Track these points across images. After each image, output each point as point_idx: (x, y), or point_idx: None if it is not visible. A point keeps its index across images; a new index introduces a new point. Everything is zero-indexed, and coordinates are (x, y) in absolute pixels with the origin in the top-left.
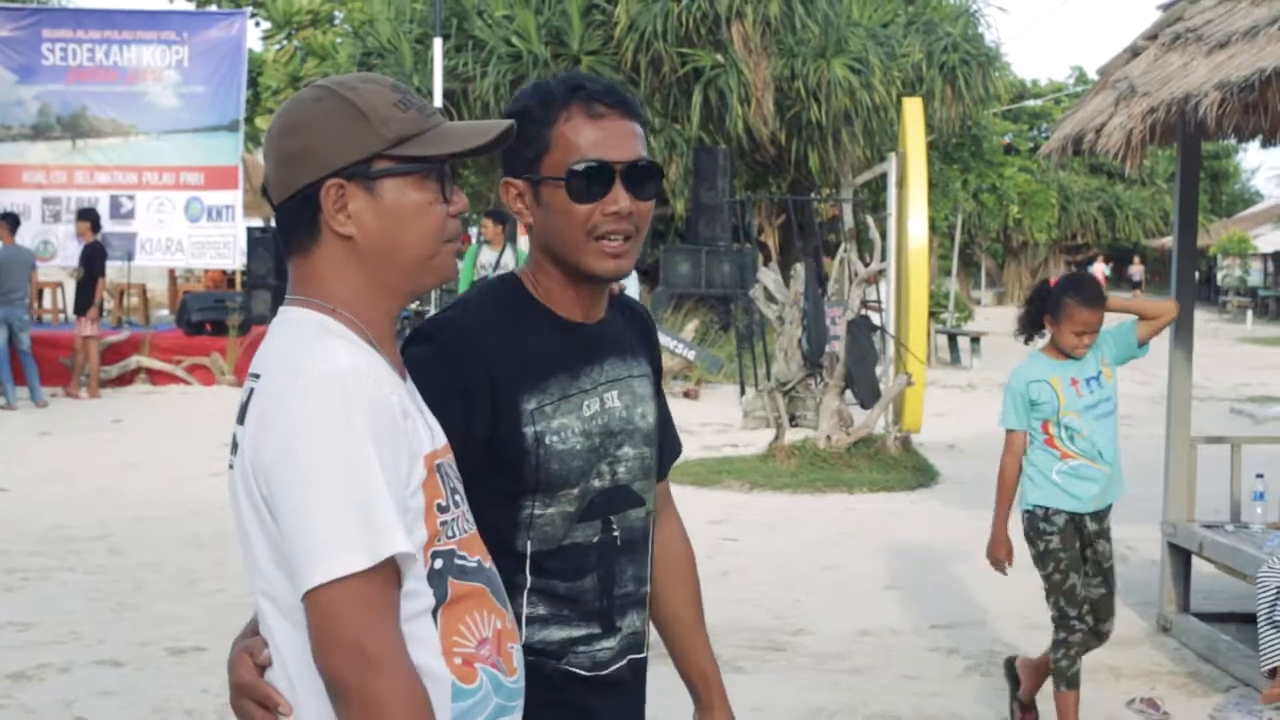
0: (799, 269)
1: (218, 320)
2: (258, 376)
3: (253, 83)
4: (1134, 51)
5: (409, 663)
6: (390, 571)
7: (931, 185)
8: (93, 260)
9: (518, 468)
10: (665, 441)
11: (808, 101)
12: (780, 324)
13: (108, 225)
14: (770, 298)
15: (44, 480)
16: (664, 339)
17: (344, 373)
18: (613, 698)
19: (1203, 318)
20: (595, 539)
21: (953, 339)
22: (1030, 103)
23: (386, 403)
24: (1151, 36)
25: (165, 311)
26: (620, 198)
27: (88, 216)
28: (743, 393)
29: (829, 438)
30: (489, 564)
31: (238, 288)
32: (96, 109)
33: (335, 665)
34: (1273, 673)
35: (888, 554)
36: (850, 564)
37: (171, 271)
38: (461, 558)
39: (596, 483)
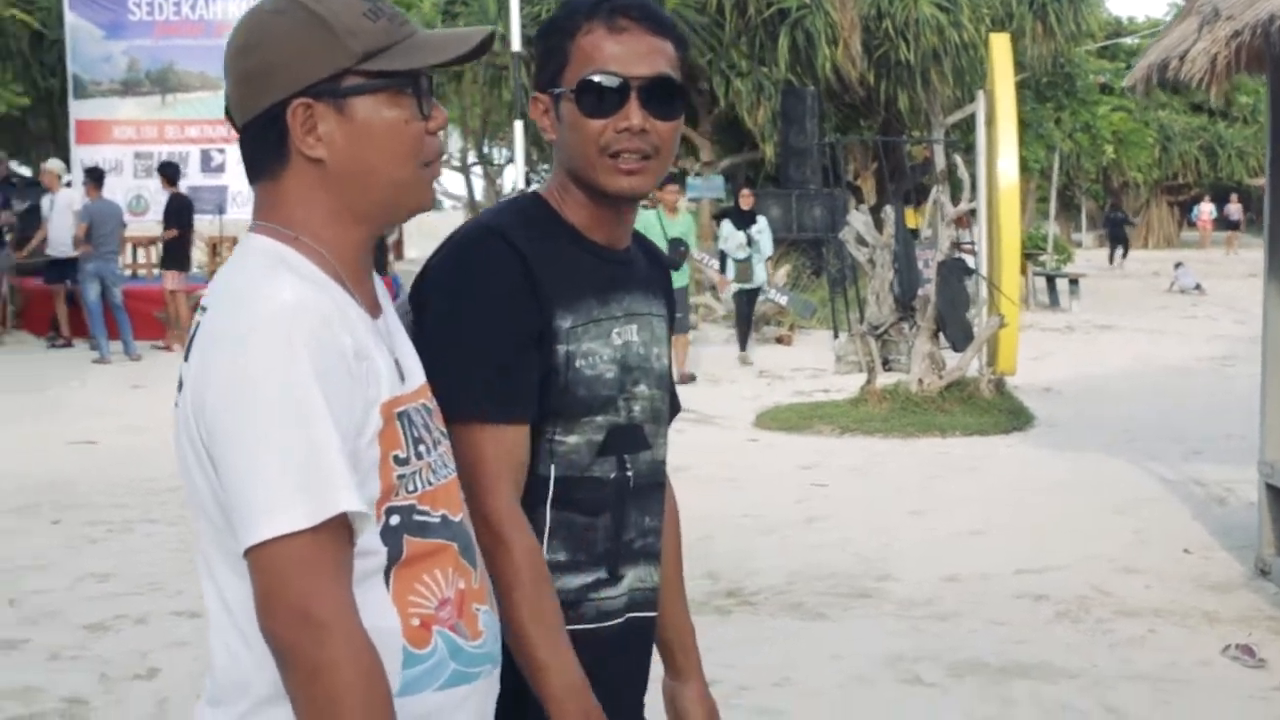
0: (889, 211)
1: None
2: (204, 310)
3: None
4: None
5: (358, 626)
6: (340, 529)
7: (1024, 125)
8: (178, 214)
9: (544, 387)
10: (669, 395)
11: (896, 41)
12: (871, 267)
13: (198, 179)
14: (861, 241)
15: (132, 433)
16: (754, 282)
17: (290, 310)
18: (615, 653)
19: None
20: (612, 475)
21: (1051, 281)
22: (1127, 40)
23: (337, 342)
24: None
25: None
26: (633, 114)
27: (164, 171)
28: (835, 337)
29: (921, 381)
30: (458, 517)
31: None
32: (185, 63)
33: (278, 629)
34: None
35: (978, 498)
36: (940, 508)
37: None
38: (422, 513)
39: (615, 417)
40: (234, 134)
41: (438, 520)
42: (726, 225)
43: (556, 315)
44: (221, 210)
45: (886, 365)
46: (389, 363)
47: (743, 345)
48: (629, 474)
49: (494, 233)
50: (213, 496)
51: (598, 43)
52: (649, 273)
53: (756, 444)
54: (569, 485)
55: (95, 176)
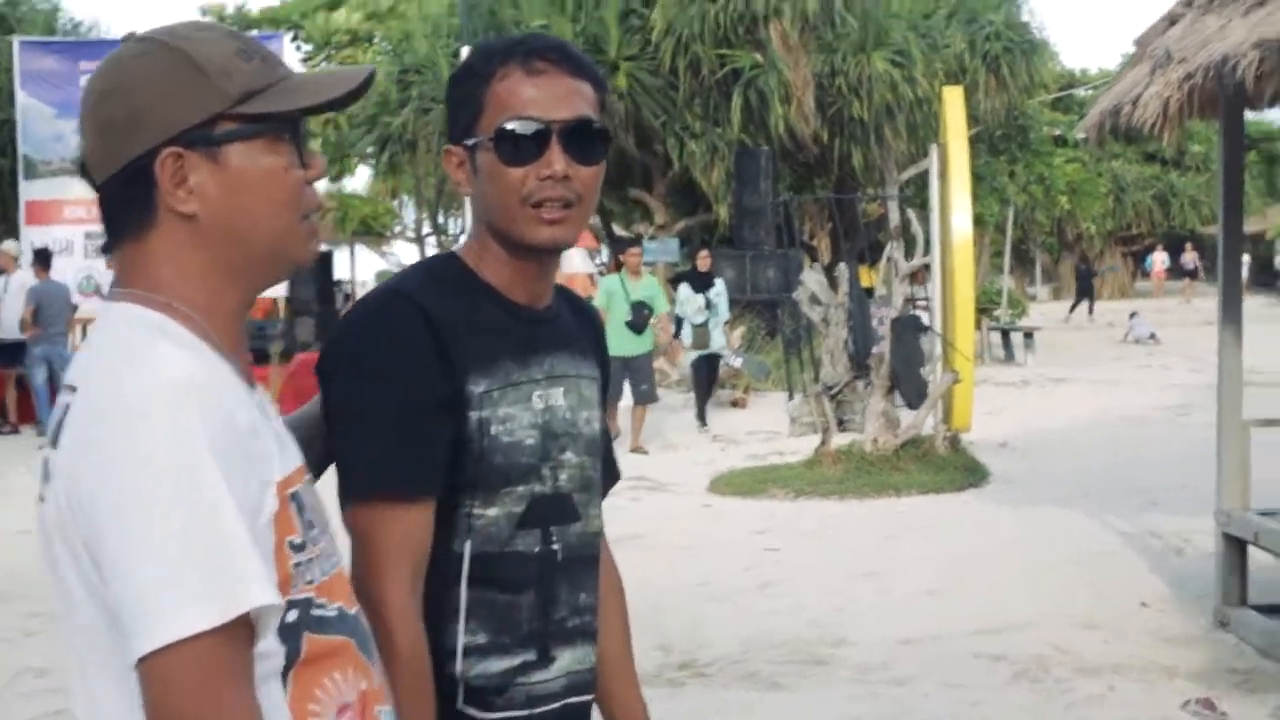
0: (843, 269)
1: (259, 349)
2: (74, 389)
3: None
4: (1171, 19)
5: None
6: (243, 629)
7: (978, 178)
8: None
9: (457, 457)
10: (605, 462)
11: (849, 98)
12: (826, 326)
13: None
14: (815, 300)
15: None
16: (712, 347)
17: (179, 384)
18: None
19: (1262, 303)
20: (536, 549)
21: (1006, 335)
22: (1080, 91)
23: (233, 419)
24: (1189, 2)
25: None
26: (555, 160)
27: (39, 259)
28: (790, 399)
29: (876, 440)
30: (354, 609)
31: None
32: None
33: None
34: None
35: (934, 557)
36: (895, 569)
37: None
38: (320, 606)
39: (538, 487)
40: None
41: (335, 614)
42: (684, 289)
43: (469, 380)
44: None
45: (841, 425)
46: (276, 438)
47: (701, 415)
48: (555, 547)
49: (399, 295)
50: (91, 599)
51: (514, 87)
52: (577, 332)
53: (710, 510)
54: (487, 561)
55: (42, 258)
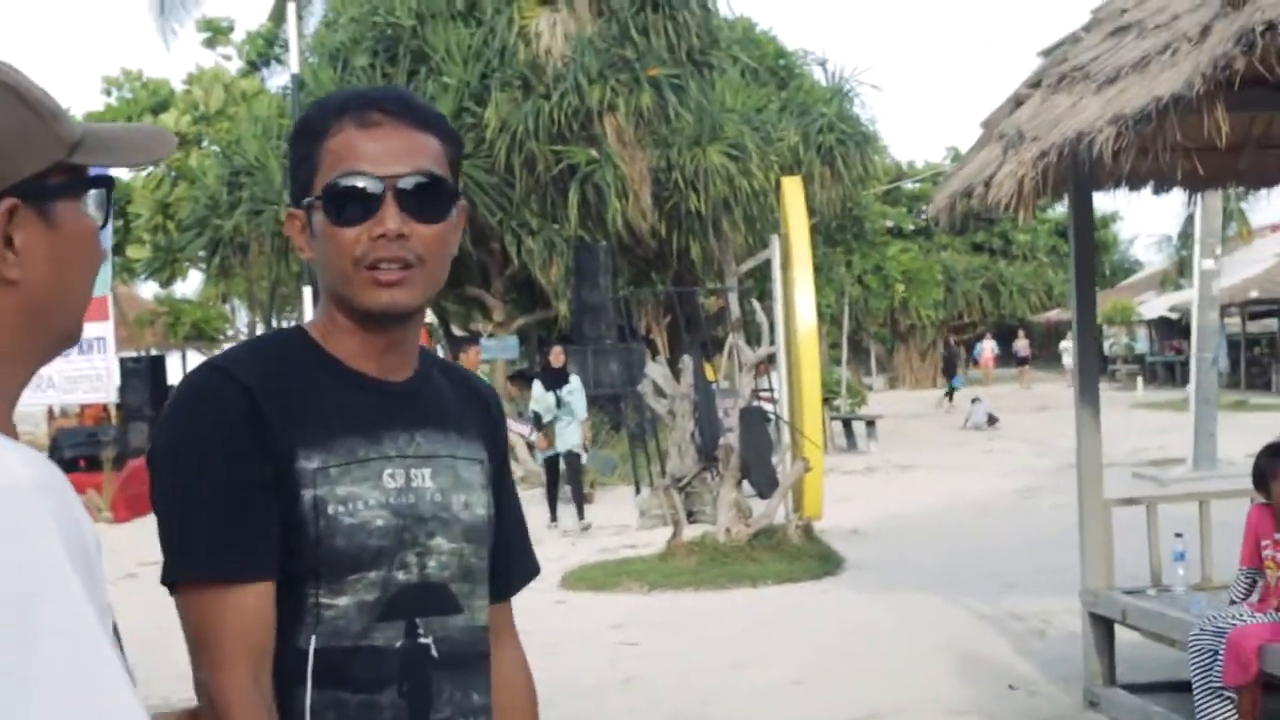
0: (687, 361)
1: (91, 455)
2: None
3: (121, 212)
4: (1017, 100)
5: None
6: None
7: (816, 269)
8: None
9: (294, 541)
10: (513, 554)
11: (686, 191)
12: (672, 418)
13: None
14: (660, 392)
15: None
16: (564, 446)
17: (25, 490)
18: None
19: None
20: (398, 643)
21: (848, 424)
22: (908, 184)
23: (84, 533)
24: (1035, 83)
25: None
26: (389, 217)
27: None
28: (638, 492)
29: (729, 531)
30: None
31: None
32: None
33: None
34: None
35: (796, 647)
36: (758, 660)
37: (50, 409)
38: None
39: (400, 575)
40: None
41: None
42: (537, 386)
43: (299, 456)
44: None
45: (691, 517)
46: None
47: (553, 513)
48: (424, 641)
49: (214, 370)
50: None
51: (349, 142)
52: (456, 408)
53: (564, 605)
54: (336, 657)
55: None
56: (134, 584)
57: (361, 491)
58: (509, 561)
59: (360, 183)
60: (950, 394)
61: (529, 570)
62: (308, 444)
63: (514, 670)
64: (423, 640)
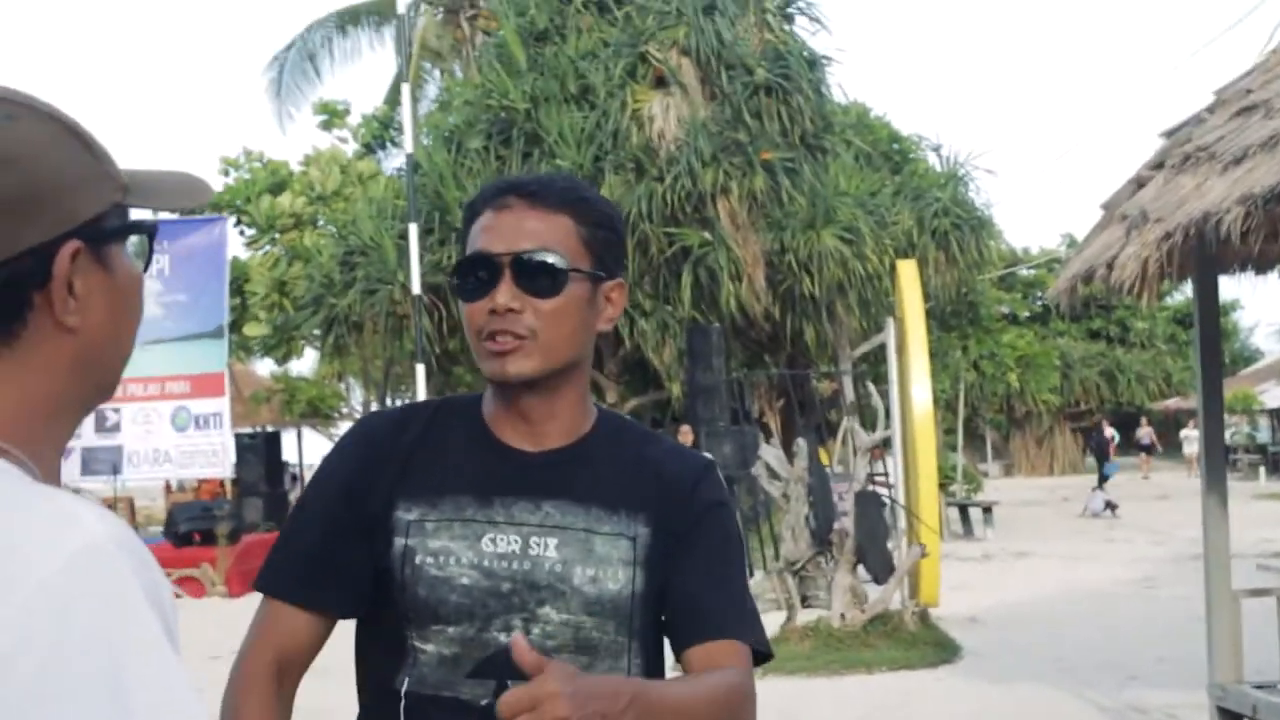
0: (801, 444)
1: (206, 530)
2: None
3: (239, 290)
4: (1139, 182)
5: None
6: None
7: (931, 354)
8: None
9: (385, 584)
10: (682, 615)
11: (800, 274)
12: (786, 501)
13: (93, 439)
14: (774, 475)
15: None
16: None
17: (107, 549)
18: None
19: None
20: (483, 702)
21: (964, 510)
22: (1023, 270)
23: (163, 594)
24: (1158, 165)
25: (159, 527)
26: (500, 293)
27: None
28: (751, 575)
29: (843, 616)
30: None
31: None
32: None
33: None
34: None
35: None
36: None
37: (166, 483)
38: None
39: (502, 636)
40: (128, 393)
41: None
42: None
43: (399, 506)
44: (117, 470)
45: (805, 602)
46: None
47: None
48: None
49: (374, 414)
50: None
51: (483, 224)
52: (619, 485)
53: None
54: (421, 702)
55: None
56: None
57: (455, 548)
58: (708, 611)
59: (478, 260)
60: (1103, 481)
61: (741, 627)
62: (411, 496)
63: (701, 673)
64: None
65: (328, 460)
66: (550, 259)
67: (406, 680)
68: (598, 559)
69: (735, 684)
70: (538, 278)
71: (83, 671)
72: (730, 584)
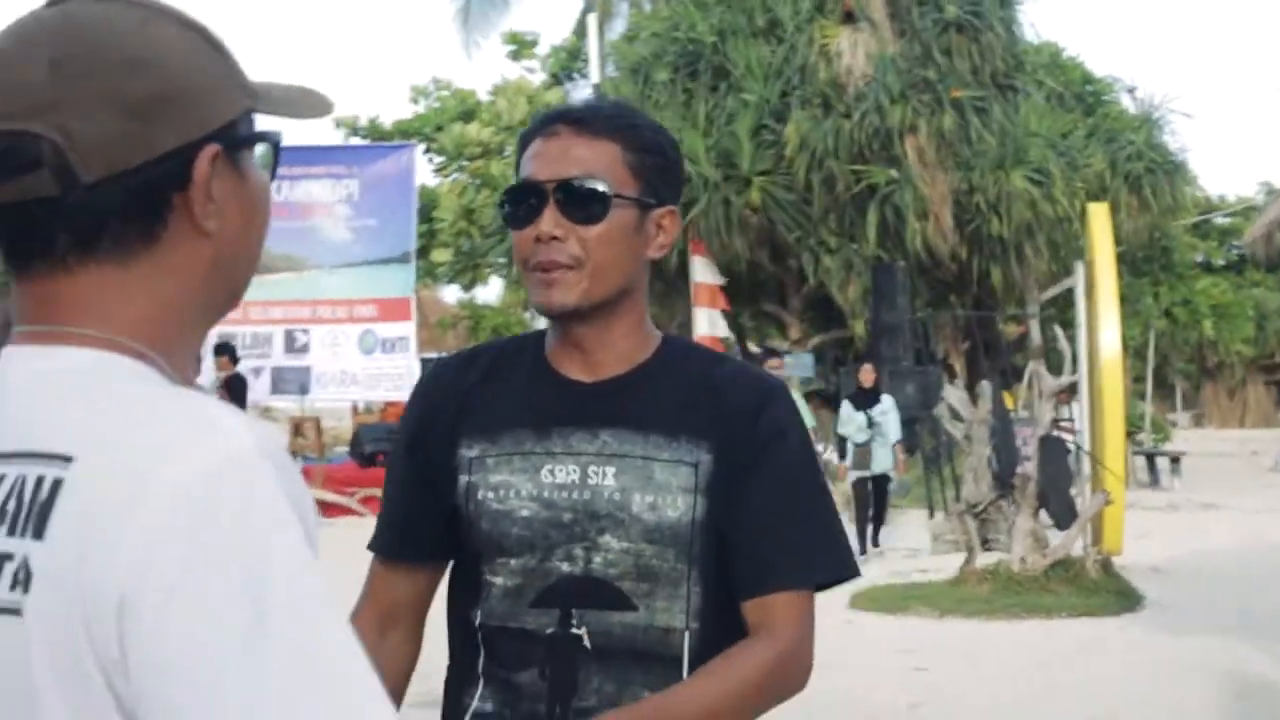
0: (985, 386)
1: (390, 451)
2: (66, 459)
3: (427, 217)
4: None
5: None
6: None
7: (1121, 299)
8: (230, 394)
9: (456, 521)
10: (766, 552)
11: (988, 215)
12: (968, 444)
13: (282, 360)
14: (956, 416)
15: None
16: (875, 468)
17: (247, 454)
18: None
19: None
20: (548, 630)
21: (1151, 459)
22: (1218, 218)
23: (306, 504)
24: None
25: (345, 448)
26: (544, 220)
27: (224, 350)
28: (931, 516)
29: (1024, 560)
30: None
31: None
32: (269, 244)
33: None
34: None
35: (1096, 685)
36: (1053, 695)
37: (354, 405)
38: None
39: (565, 566)
40: (317, 315)
41: None
42: (846, 407)
43: (461, 444)
44: (305, 390)
45: (986, 545)
46: None
47: (862, 541)
48: (577, 632)
49: (441, 360)
50: None
51: (532, 152)
52: (679, 410)
53: (852, 626)
54: (491, 633)
55: (223, 350)
56: None
57: (516, 481)
58: (761, 559)
59: (524, 188)
60: None
61: (795, 569)
62: (472, 434)
63: (728, 653)
64: (575, 630)
65: (402, 413)
66: (595, 185)
67: (479, 613)
68: (656, 486)
69: (765, 664)
70: (583, 204)
71: (224, 577)
72: (792, 519)
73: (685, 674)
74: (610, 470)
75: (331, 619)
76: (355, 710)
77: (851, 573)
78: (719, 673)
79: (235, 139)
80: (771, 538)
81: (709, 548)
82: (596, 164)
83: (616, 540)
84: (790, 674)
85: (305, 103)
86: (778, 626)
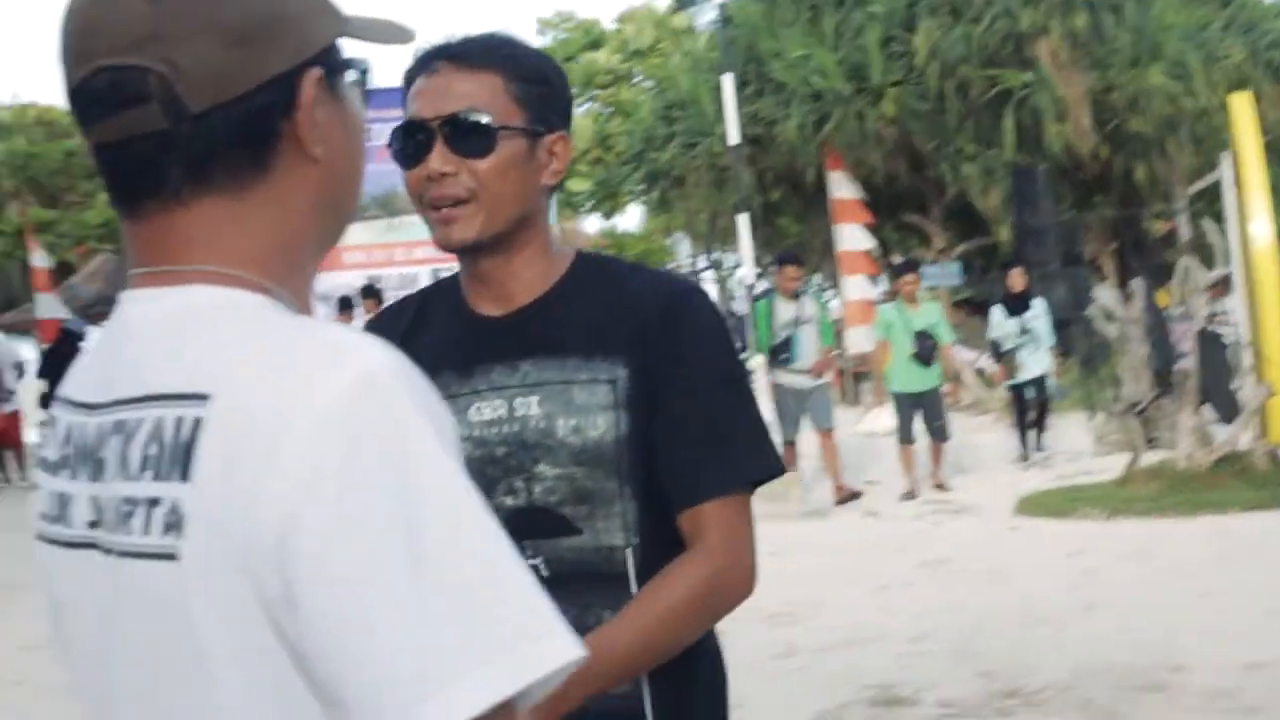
0: (1137, 284)
1: None
2: (203, 398)
3: None
4: None
5: None
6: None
7: (1271, 189)
8: None
9: None
10: (691, 461)
11: (1126, 113)
12: (1123, 343)
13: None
14: (1109, 317)
15: None
16: (1027, 375)
17: (380, 374)
18: None
19: None
20: None
21: None
22: None
23: (444, 417)
24: None
25: None
26: (433, 158)
27: (370, 294)
28: (1092, 418)
29: (1190, 457)
30: None
31: None
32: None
33: None
34: None
35: (1271, 576)
36: (1230, 590)
37: None
38: None
39: (509, 500)
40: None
41: None
42: (996, 312)
43: None
44: None
45: (1150, 443)
46: None
47: (1024, 445)
48: (534, 562)
49: (376, 316)
50: (254, 678)
51: (415, 91)
52: (592, 330)
53: (1019, 532)
54: None
55: (345, 305)
56: None
57: None
58: (685, 470)
59: (409, 127)
60: None
61: (722, 475)
62: None
63: (662, 574)
64: (532, 561)
65: None
66: (479, 118)
67: None
68: (577, 408)
69: (696, 583)
70: (469, 138)
71: (378, 501)
72: (713, 423)
73: (634, 591)
74: (534, 399)
75: (485, 524)
76: (533, 620)
77: (777, 469)
78: (648, 600)
79: (336, 63)
80: (694, 446)
81: (639, 462)
82: (479, 96)
83: (550, 467)
84: (727, 586)
85: (390, 30)
86: (710, 537)
